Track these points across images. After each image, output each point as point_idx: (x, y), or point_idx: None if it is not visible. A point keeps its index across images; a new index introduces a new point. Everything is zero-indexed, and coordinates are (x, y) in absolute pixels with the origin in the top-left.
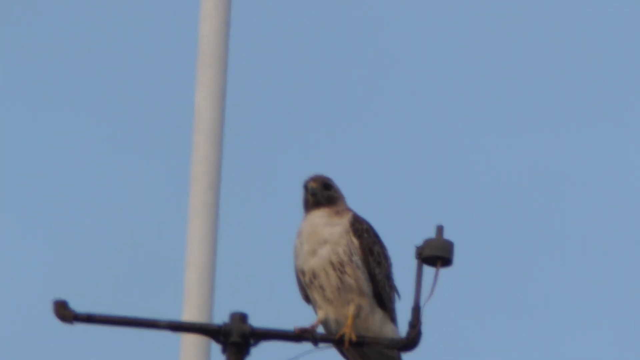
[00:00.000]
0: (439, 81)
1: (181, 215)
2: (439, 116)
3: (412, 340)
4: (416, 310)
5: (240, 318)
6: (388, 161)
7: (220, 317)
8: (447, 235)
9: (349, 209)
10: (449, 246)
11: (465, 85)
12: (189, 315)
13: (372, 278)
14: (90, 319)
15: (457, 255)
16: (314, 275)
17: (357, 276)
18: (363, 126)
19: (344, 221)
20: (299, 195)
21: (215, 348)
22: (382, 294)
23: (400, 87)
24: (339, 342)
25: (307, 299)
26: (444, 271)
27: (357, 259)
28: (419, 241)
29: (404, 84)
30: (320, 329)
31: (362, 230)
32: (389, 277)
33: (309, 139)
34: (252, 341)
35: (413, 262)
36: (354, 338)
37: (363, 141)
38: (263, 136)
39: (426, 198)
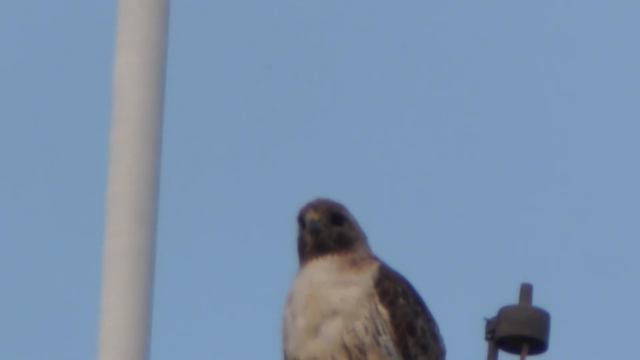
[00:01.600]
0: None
1: (92, 267)
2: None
3: None
4: None
5: None
6: (432, 179)
7: None
8: (539, 301)
9: (373, 257)
10: (541, 320)
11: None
12: None
13: None
14: None
15: (555, 335)
16: None
17: None
18: (392, 120)
19: (366, 277)
20: (290, 234)
21: None
22: None
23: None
24: None
25: None
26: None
27: (387, 340)
28: (491, 311)
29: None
30: None
31: (395, 292)
32: None
33: (307, 137)
34: None
35: (482, 345)
36: None
37: (394, 141)
38: (231, 133)
39: (501, 239)
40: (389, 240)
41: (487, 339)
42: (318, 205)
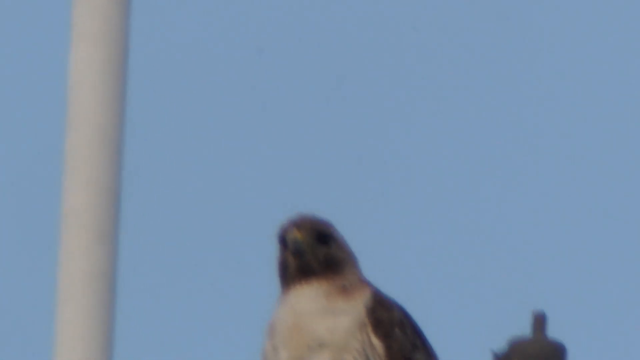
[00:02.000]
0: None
1: (44, 294)
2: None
3: None
4: None
5: None
6: (433, 193)
7: None
8: (553, 332)
9: (365, 282)
10: (555, 352)
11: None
12: None
13: None
14: None
15: None
16: None
17: None
18: (387, 126)
19: (357, 305)
20: (270, 257)
21: None
22: None
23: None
24: None
25: None
26: None
27: None
28: (500, 342)
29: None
30: None
31: (390, 322)
32: None
33: (289, 146)
34: None
35: None
36: None
37: (389, 151)
38: (203, 137)
39: (512, 262)
40: (382, 262)
41: None
42: (301, 223)
